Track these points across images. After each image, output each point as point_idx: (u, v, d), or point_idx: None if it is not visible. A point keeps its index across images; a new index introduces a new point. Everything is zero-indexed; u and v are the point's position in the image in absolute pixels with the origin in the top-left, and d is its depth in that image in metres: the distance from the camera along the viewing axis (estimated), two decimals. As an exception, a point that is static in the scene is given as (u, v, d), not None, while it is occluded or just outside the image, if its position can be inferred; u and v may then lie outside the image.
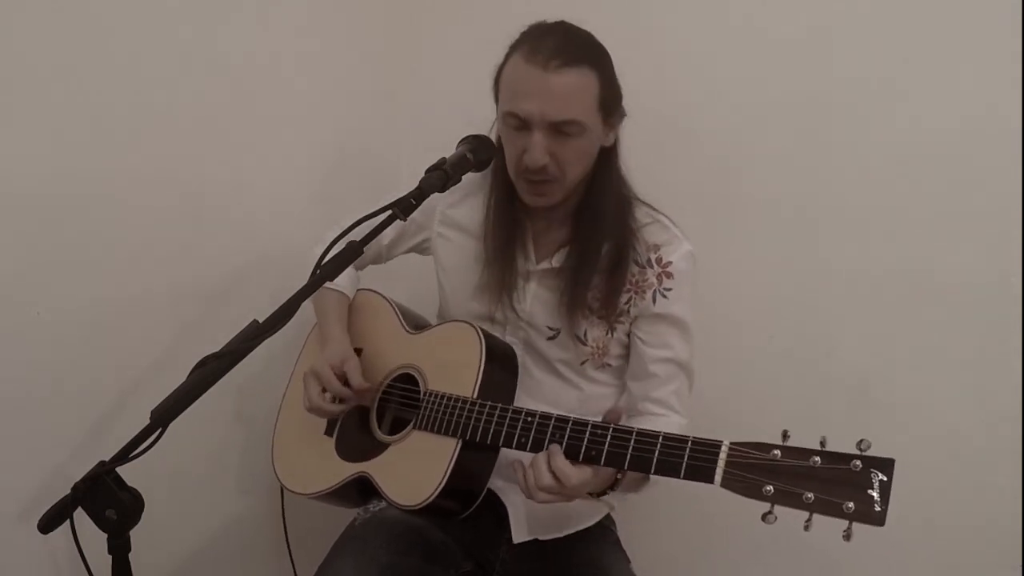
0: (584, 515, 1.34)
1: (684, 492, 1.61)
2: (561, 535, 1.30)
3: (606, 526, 1.37)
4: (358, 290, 1.47)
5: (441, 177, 1.11)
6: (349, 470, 1.27)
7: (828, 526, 0.84)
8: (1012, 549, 1.33)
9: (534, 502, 1.21)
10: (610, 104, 1.19)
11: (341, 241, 1.04)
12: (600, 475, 1.10)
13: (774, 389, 1.52)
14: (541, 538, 1.28)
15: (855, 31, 1.44)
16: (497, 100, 1.23)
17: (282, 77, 1.61)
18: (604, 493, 1.16)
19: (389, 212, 1.07)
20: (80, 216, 1.29)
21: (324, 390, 1.27)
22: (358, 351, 1.38)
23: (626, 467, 1.00)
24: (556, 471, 1.03)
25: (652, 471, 0.96)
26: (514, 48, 1.18)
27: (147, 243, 1.39)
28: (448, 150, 1.19)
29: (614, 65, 1.20)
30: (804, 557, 1.51)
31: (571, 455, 1.03)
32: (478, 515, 1.20)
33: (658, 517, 1.66)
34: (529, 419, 1.08)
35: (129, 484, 0.92)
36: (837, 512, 0.84)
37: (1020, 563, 1.32)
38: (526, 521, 1.28)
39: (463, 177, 1.18)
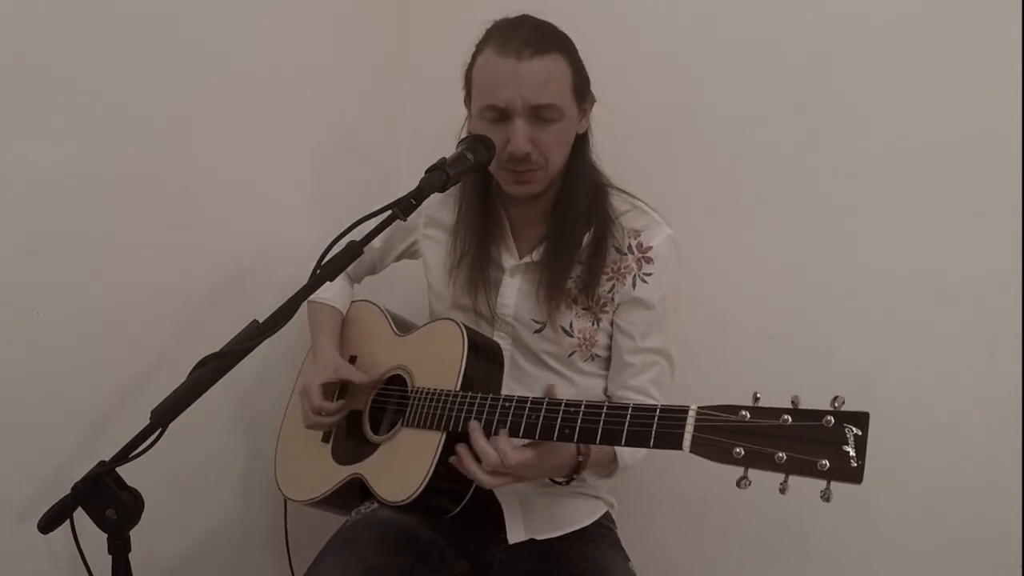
0: (582, 514, 1.34)
1: (685, 491, 1.63)
2: (559, 535, 1.30)
3: (606, 525, 1.37)
4: (352, 302, 1.49)
5: (441, 177, 1.11)
6: (343, 473, 1.27)
7: (810, 498, 0.79)
8: (1012, 549, 1.33)
9: (532, 501, 1.21)
10: (582, 89, 1.23)
11: (341, 241, 1.04)
12: (556, 458, 1.12)
13: (774, 389, 1.51)
14: (538, 538, 1.28)
15: (856, 30, 1.43)
16: (469, 99, 1.25)
17: (282, 76, 1.61)
18: (571, 479, 1.18)
19: (389, 212, 1.07)
20: (80, 216, 1.29)
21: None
22: (353, 359, 1.39)
23: (598, 441, 0.98)
24: (477, 450, 1.06)
25: (623, 443, 0.96)
26: (482, 45, 1.21)
27: (147, 243, 1.39)
28: (448, 149, 1.19)
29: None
30: (805, 556, 1.51)
31: (546, 435, 1.03)
32: (473, 515, 1.20)
33: (659, 516, 1.66)
34: (507, 404, 1.08)
35: (129, 484, 0.92)
36: (812, 471, 0.79)
37: (1020, 563, 1.32)
38: (522, 521, 1.28)
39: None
